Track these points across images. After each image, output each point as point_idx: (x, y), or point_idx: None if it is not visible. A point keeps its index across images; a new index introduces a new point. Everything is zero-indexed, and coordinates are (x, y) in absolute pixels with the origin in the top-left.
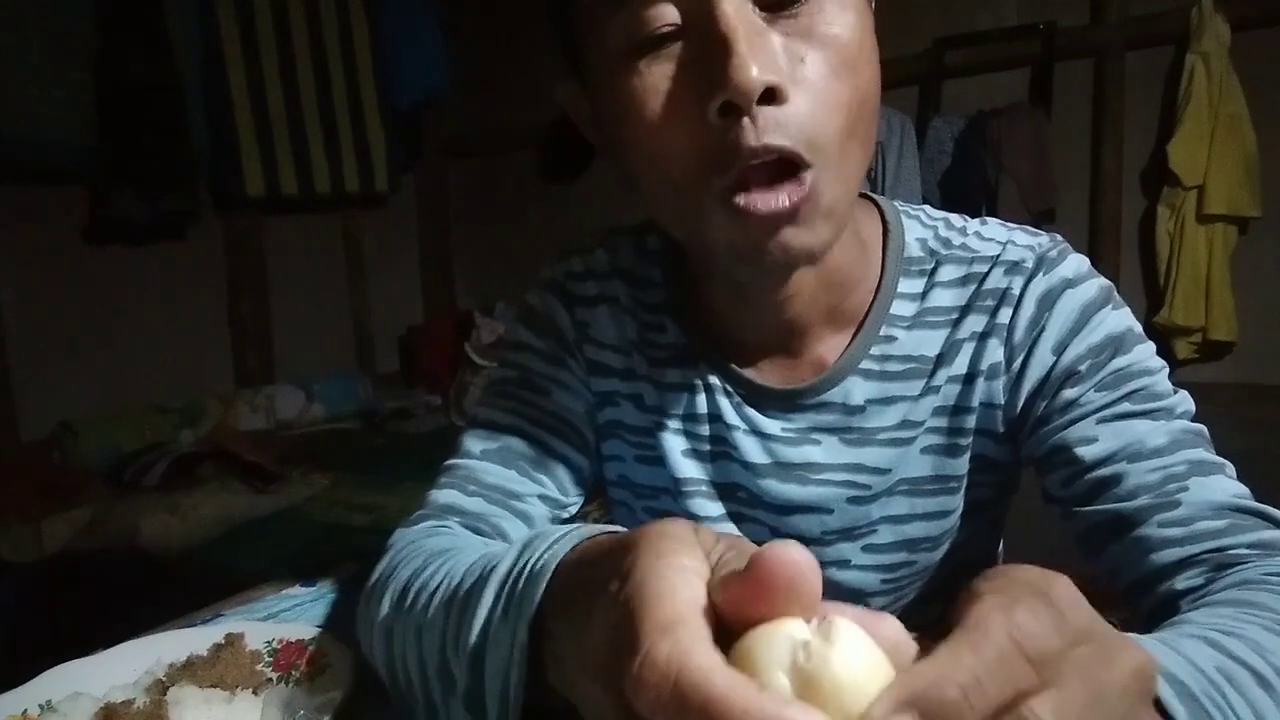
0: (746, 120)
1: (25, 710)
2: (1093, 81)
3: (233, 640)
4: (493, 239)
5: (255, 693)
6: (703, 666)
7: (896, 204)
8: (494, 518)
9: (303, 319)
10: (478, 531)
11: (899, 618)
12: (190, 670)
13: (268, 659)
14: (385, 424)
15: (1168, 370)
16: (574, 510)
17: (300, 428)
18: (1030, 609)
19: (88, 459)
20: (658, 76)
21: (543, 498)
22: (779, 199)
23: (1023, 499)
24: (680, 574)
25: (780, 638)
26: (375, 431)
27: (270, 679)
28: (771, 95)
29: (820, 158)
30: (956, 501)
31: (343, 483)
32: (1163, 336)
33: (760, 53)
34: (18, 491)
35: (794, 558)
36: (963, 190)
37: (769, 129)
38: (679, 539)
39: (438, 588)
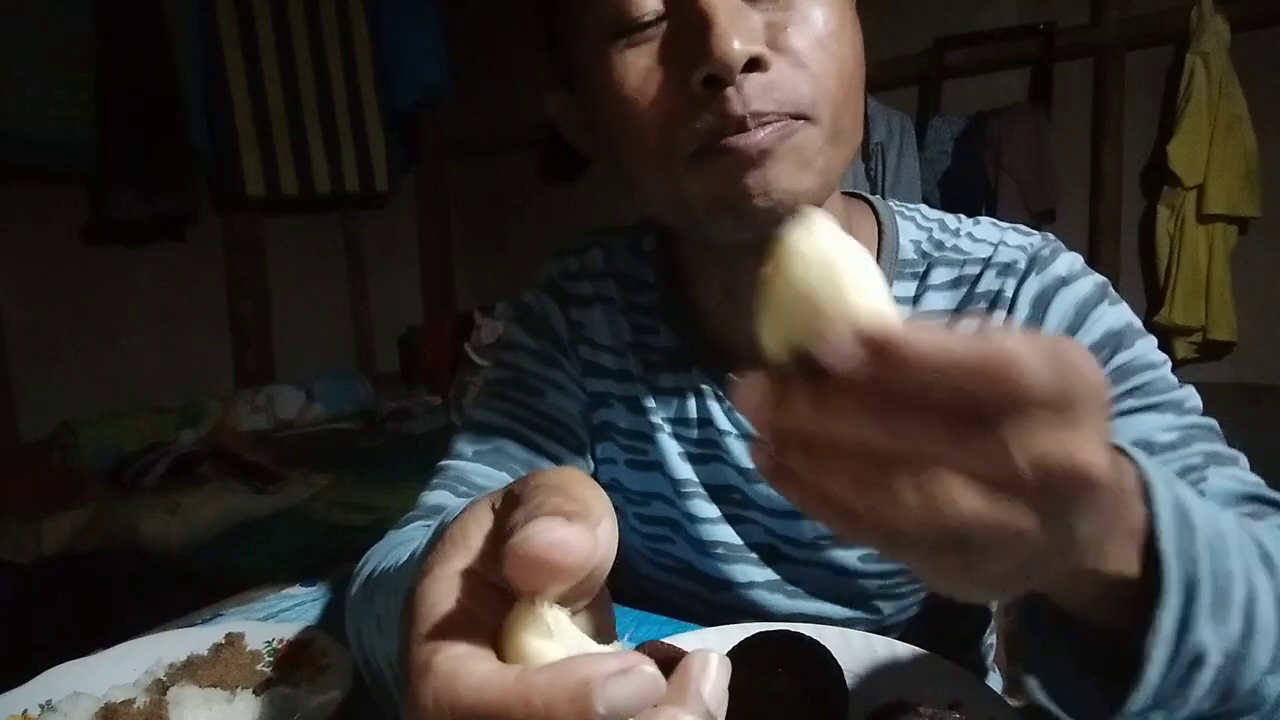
0: (731, 90)
1: (25, 710)
2: (1093, 81)
3: (233, 640)
4: (493, 239)
5: (255, 693)
6: (470, 688)
7: (892, 203)
8: None
9: (303, 319)
10: None
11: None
12: (190, 670)
13: (268, 659)
14: (385, 424)
15: (1170, 363)
16: None
17: (300, 428)
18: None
19: (88, 459)
20: (638, 56)
21: None
22: (758, 134)
23: None
24: (442, 583)
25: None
26: (375, 431)
27: (270, 679)
28: (755, 64)
29: (810, 115)
30: None
31: (343, 483)
32: (1163, 336)
33: (741, 26)
34: (18, 491)
35: (543, 542)
36: (963, 190)
37: (755, 96)
38: (460, 534)
39: (391, 574)
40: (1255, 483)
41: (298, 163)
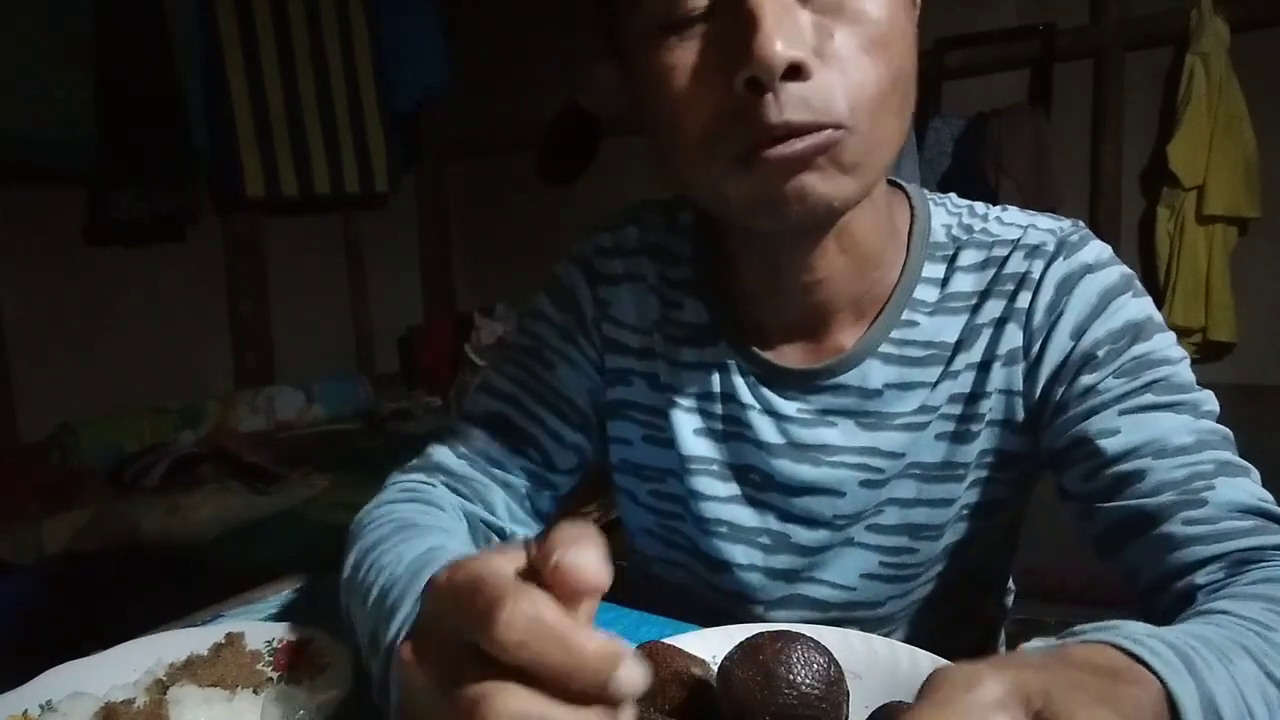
0: (770, 97)
1: (25, 710)
2: (1093, 82)
3: (233, 640)
4: (493, 239)
5: (255, 692)
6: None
7: (925, 191)
8: (475, 483)
9: (303, 319)
10: (459, 494)
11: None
12: (190, 670)
13: (268, 659)
14: (385, 424)
15: (1189, 360)
16: (563, 488)
17: (300, 428)
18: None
19: (88, 459)
20: (687, 51)
21: (526, 470)
22: (794, 145)
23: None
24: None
25: None
26: (375, 432)
27: (270, 679)
28: (796, 71)
29: (848, 125)
30: (960, 490)
31: (343, 483)
32: None
33: (787, 28)
34: (18, 491)
35: (581, 571)
36: (963, 191)
37: (791, 105)
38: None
39: (381, 571)
40: (1263, 497)
41: (298, 163)
